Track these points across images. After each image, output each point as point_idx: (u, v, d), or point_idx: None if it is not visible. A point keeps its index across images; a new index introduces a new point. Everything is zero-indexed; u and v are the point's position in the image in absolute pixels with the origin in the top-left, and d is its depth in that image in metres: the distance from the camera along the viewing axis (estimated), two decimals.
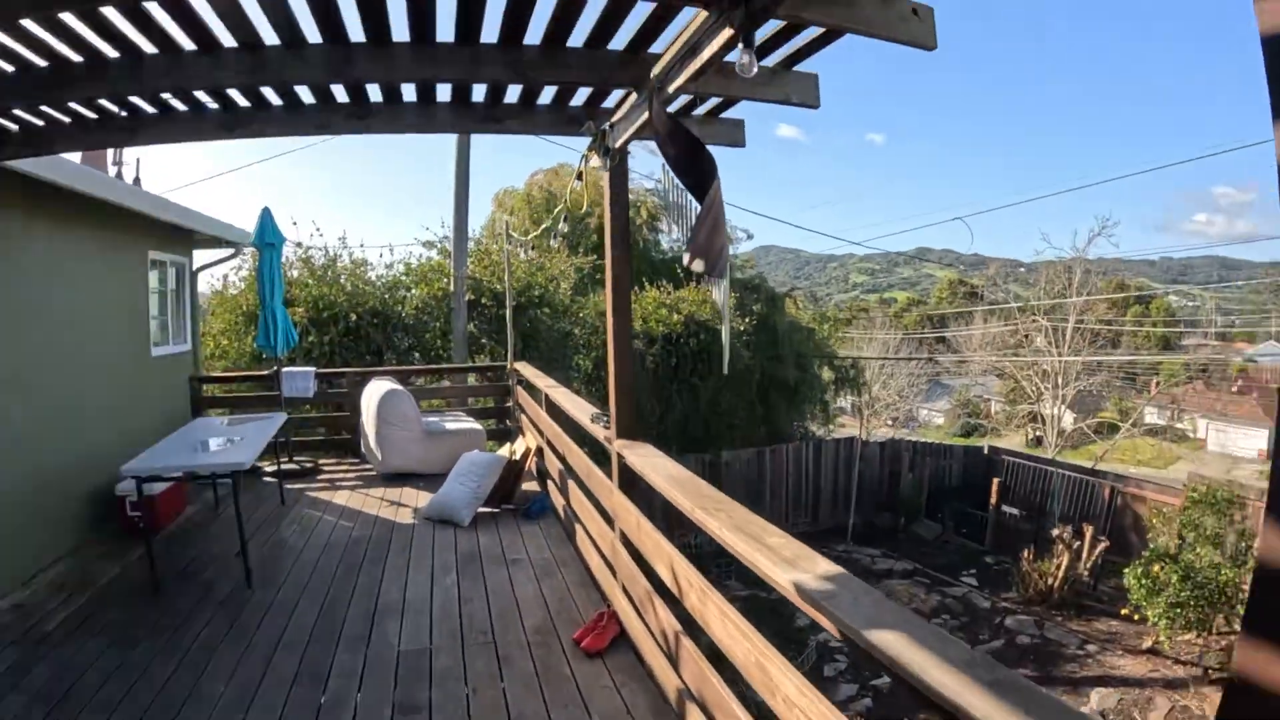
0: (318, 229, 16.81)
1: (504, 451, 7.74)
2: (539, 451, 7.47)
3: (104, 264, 7.06)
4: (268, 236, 8.40)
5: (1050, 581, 13.10)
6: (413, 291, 13.25)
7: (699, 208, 2.66)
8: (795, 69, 3.35)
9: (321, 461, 9.14)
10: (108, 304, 7.08)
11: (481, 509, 6.85)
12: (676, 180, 2.79)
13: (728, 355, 2.98)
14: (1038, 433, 33.28)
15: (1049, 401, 28.19)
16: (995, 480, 17.49)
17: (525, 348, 12.50)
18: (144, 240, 7.84)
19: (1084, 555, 13.19)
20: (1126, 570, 11.14)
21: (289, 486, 7.84)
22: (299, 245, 12.89)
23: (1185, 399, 39.42)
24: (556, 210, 6.40)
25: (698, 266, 2.66)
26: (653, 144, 3.21)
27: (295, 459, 8.89)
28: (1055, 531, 13.57)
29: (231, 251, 10.23)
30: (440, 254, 14.09)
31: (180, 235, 8.73)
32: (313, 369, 8.98)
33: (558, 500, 6.76)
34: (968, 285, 72.30)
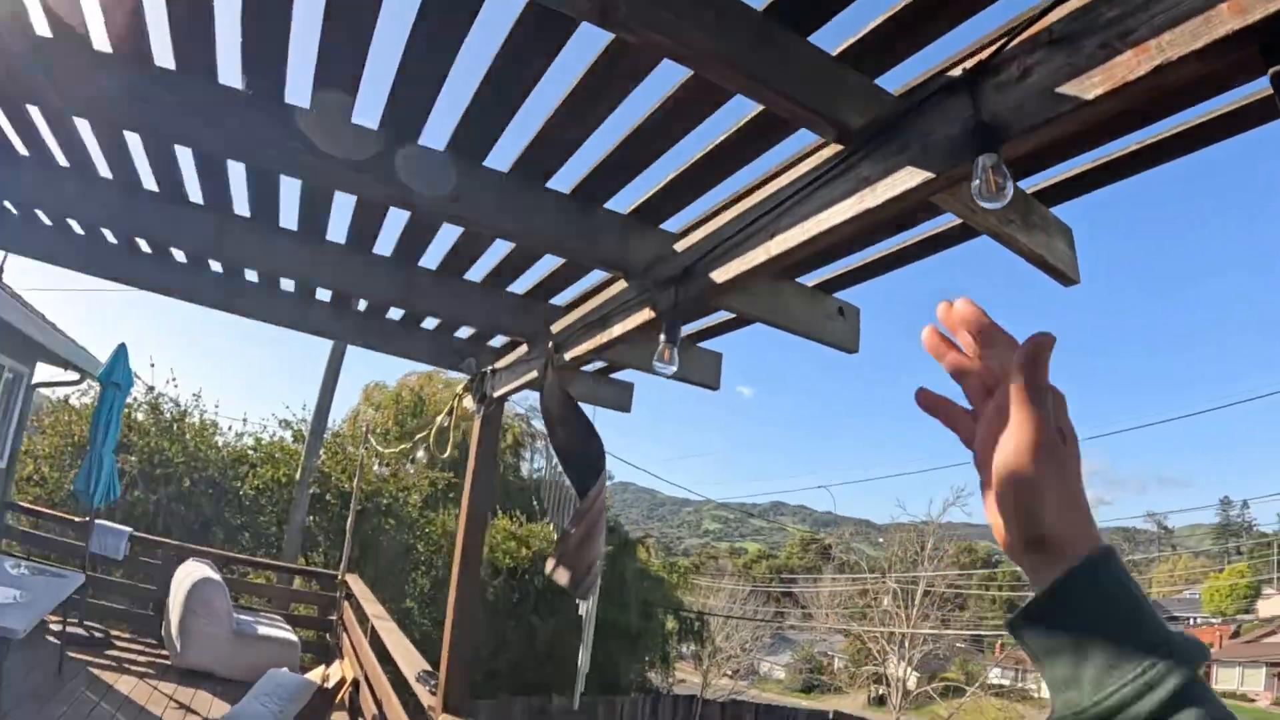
0: (174, 378, 15.88)
1: (316, 674, 7.00)
2: (356, 683, 6.56)
3: None
4: (116, 376, 7.64)
5: None
6: (257, 469, 12.50)
7: (576, 501, 2.29)
8: (701, 345, 3.18)
9: (115, 633, 7.94)
10: None
11: None
12: (557, 463, 2.42)
13: (580, 686, 2.51)
14: (881, 692, 32.78)
15: (894, 662, 27.97)
16: None
17: (363, 556, 11.67)
18: None
19: None
20: None
21: (72, 655, 6.68)
22: (151, 389, 12.18)
23: (1029, 659, 40.25)
24: (418, 438, 5.95)
25: (561, 578, 2.27)
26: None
27: (87, 623, 7.66)
28: None
29: (77, 377, 9.48)
30: (295, 437, 13.39)
31: (27, 342, 7.94)
32: (128, 530, 8.08)
33: None
34: (820, 543, 73.75)
